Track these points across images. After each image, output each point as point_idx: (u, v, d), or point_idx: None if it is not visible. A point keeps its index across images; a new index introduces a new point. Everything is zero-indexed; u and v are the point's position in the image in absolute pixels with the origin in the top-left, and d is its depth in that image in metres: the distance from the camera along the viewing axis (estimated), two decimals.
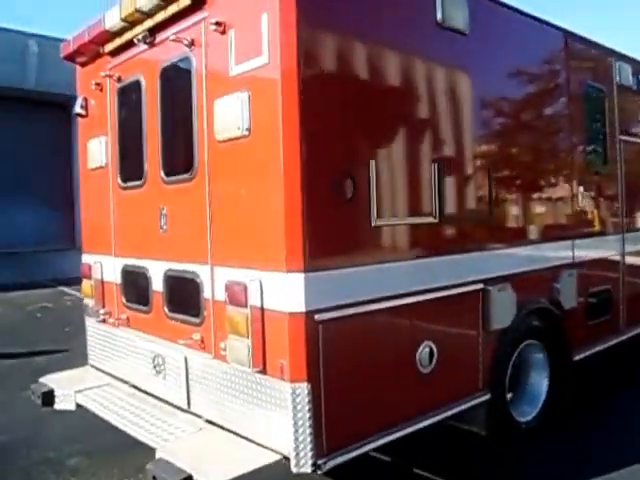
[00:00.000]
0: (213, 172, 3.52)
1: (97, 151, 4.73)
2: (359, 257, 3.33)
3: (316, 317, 3.05)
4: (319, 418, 3.07)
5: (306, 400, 3.02)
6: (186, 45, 3.63)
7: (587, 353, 5.23)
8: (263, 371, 3.18)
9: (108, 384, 4.49)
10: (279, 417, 3.11)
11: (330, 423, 3.12)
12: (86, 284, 4.85)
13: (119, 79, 4.41)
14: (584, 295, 5.19)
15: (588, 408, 5.22)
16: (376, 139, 3.46)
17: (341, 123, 3.24)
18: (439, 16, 3.82)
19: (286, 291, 3.04)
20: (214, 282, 3.51)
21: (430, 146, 3.81)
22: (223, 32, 3.36)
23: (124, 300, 4.47)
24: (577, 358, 5.10)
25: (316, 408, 3.05)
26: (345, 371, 3.21)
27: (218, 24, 3.35)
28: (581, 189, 5.16)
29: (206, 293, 3.58)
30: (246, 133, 3.22)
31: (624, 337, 5.82)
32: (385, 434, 3.44)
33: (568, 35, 5.08)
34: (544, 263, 4.73)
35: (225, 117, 3.33)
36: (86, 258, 4.95)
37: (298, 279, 3.01)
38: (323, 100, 3.14)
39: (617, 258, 5.71)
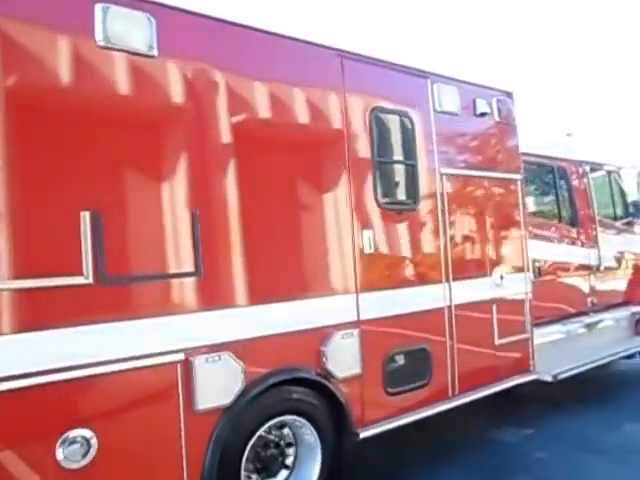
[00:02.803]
0: None
1: None
2: None
3: None
4: None
5: None
6: None
7: (385, 428, 4.37)
8: None
9: None
10: None
11: None
12: None
13: None
14: (378, 359, 4.37)
15: None
16: None
17: None
18: (99, 37, 3.16)
19: None
20: None
21: (81, 191, 3.09)
22: None
23: None
24: (366, 435, 4.25)
25: None
26: None
27: None
28: (368, 234, 4.37)
29: None
30: None
31: (455, 404, 4.94)
32: None
33: (346, 56, 4.38)
34: (300, 325, 3.92)
35: None
36: None
37: None
38: None
39: (439, 311, 4.87)
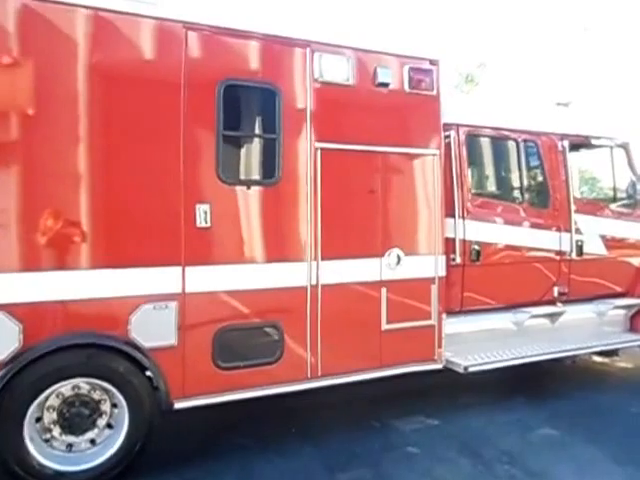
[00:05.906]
0: None
1: None
2: None
3: None
4: None
5: None
6: None
7: (208, 401, 4.41)
8: None
9: None
10: None
11: None
12: None
13: None
14: (207, 332, 4.39)
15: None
16: None
17: None
18: None
19: None
20: None
21: None
22: None
23: None
24: (182, 406, 4.33)
25: None
26: None
27: None
28: (203, 208, 4.34)
29: None
30: None
31: (314, 386, 4.81)
32: None
33: (191, 27, 4.30)
34: (104, 293, 4.05)
35: None
36: None
37: None
38: None
39: (298, 290, 4.71)
